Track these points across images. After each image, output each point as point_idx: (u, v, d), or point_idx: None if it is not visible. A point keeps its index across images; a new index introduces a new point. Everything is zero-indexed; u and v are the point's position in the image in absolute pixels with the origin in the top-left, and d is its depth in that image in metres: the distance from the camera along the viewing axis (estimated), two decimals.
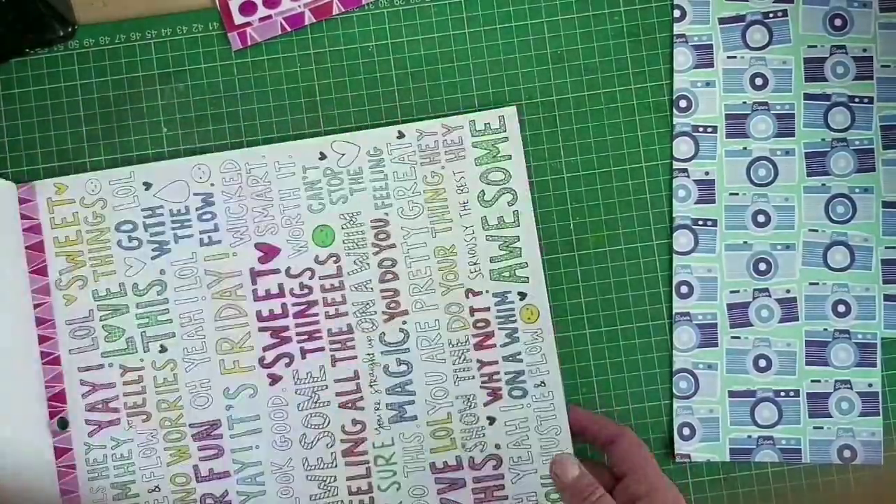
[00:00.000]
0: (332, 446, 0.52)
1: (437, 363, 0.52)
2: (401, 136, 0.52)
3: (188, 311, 0.52)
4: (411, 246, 0.52)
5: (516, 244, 0.52)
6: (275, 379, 0.52)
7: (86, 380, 0.51)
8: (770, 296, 0.54)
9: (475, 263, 0.52)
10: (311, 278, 0.52)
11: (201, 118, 0.53)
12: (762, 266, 0.54)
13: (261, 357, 0.52)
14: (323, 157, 0.52)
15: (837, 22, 0.54)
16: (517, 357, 0.52)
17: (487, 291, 0.52)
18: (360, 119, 0.53)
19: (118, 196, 0.52)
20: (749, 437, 0.53)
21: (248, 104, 0.53)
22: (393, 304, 0.52)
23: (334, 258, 0.52)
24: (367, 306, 0.52)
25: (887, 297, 0.54)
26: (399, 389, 0.52)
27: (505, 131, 0.52)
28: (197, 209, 0.52)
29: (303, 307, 0.52)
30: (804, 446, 0.53)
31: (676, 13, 0.54)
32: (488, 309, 0.52)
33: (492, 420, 0.52)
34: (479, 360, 0.52)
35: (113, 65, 0.53)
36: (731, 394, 0.53)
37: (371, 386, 0.52)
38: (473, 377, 0.52)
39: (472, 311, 0.52)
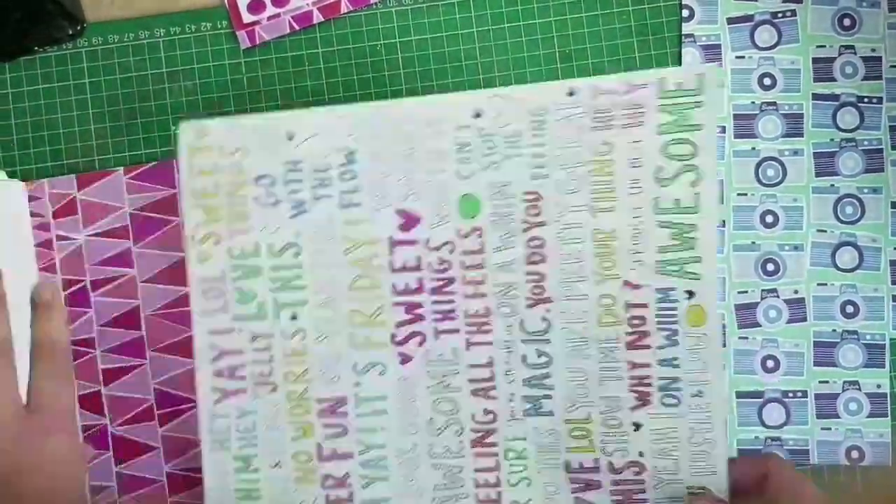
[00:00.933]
0: (460, 434, 0.47)
1: (581, 359, 0.46)
2: (571, 93, 0.45)
3: (322, 279, 0.46)
4: (565, 226, 0.45)
5: (692, 234, 0.44)
6: (406, 358, 0.47)
7: (215, 343, 0.47)
8: (778, 296, 0.54)
9: (639, 252, 0.45)
10: (451, 252, 0.46)
11: (210, 116, 0.53)
12: (770, 266, 0.54)
13: (393, 334, 0.47)
14: (478, 115, 0.45)
15: (846, 22, 0.54)
16: (674, 362, 0.45)
17: (649, 286, 0.45)
18: None
19: (259, 147, 0.46)
20: (756, 438, 0.53)
21: (256, 103, 0.53)
22: (538, 290, 0.46)
23: (478, 232, 0.46)
24: (509, 289, 0.46)
25: None
26: (536, 382, 0.47)
27: (700, 94, 0.43)
28: (339, 166, 0.46)
29: (440, 284, 0.46)
30: (812, 447, 0.53)
31: (685, 13, 0.54)
32: (647, 306, 0.45)
33: (637, 426, 0.46)
34: (629, 362, 0.45)
35: (121, 63, 0.53)
36: (739, 395, 0.53)
37: (506, 375, 0.46)
38: (621, 378, 0.46)
39: (629, 305, 0.45)
